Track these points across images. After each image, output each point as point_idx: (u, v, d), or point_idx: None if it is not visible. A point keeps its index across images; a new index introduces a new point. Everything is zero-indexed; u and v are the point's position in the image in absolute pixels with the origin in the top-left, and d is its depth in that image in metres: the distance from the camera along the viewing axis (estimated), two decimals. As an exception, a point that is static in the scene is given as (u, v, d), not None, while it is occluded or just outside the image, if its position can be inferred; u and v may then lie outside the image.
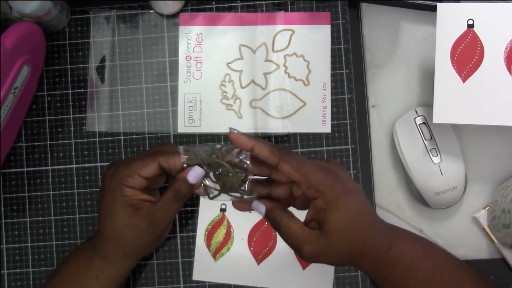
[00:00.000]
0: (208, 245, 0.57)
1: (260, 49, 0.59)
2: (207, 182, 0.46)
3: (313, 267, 0.57)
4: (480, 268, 0.57)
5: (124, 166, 0.48)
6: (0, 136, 0.53)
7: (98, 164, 0.59)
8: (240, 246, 0.57)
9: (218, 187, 0.46)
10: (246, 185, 0.45)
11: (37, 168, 0.59)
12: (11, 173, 0.59)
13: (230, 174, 0.45)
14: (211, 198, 0.47)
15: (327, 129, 0.58)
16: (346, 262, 0.45)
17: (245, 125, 0.58)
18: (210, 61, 0.59)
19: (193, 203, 0.58)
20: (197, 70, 0.59)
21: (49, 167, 0.59)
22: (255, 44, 0.59)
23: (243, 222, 0.58)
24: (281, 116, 0.58)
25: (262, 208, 0.44)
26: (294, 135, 0.58)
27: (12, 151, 0.59)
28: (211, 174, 0.46)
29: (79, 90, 0.59)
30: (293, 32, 0.59)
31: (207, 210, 0.58)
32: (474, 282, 0.47)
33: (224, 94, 0.59)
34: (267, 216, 0.44)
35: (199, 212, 0.58)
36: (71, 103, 0.59)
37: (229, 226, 0.57)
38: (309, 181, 0.42)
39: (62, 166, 0.59)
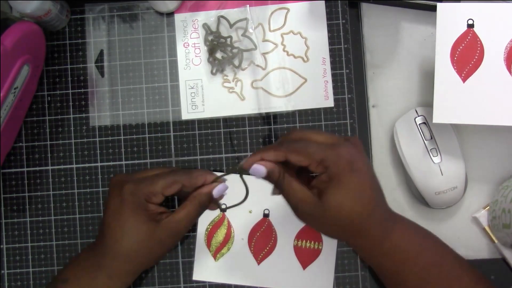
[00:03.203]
0: (208, 245, 0.57)
1: (256, 29, 0.59)
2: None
3: (314, 267, 0.57)
4: (480, 268, 0.57)
5: (147, 183, 0.48)
6: (0, 136, 0.53)
7: (98, 164, 0.59)
8: (240, 246, 0.57)
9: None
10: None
11: (37, 168, 0.59)
12: (11, 173, 0.59)
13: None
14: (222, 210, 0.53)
15: (330, 103, 0.58)
16: (337, 236, 0.47)
17: (248, 106, 0.59)
18: None
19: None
20: (196, 56, 0.59)
21: (49, 167, 0.59)
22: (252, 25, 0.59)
23: (243, 222, 0.58)
24: (284, 94, 0.59)
25: (262, 169, 0.44)
26: (299, 112, 0.58)
27: (12, 151, 0.59)
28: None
29: (79, 90, 0.59)
30: (288, 10, 0.59)
31: (207, 211, 0.58)
32: (474, 280, 0.47)
33: (225, 77, 0.59)
34: (269, 177, 0.45)
35: None
36: (71, 103, 0.59)
37: (229, 226, 0.58)
38: (315, 160, 0.44)
39: (62, 166, 0.59)
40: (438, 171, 0.55)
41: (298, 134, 0.47)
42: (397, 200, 0.58)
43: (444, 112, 0.51)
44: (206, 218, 0.58)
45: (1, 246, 0.58)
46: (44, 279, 0.58)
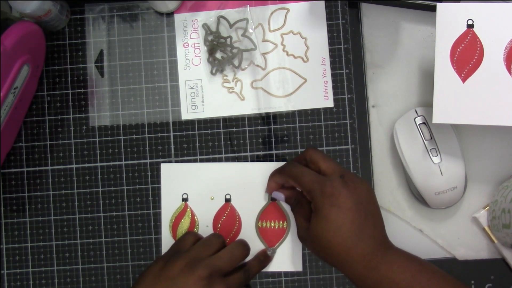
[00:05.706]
0: (174, 236, 0.58)
1: (256, 30, 0.59)
2: None
3: (281, 246, 0.57)
4: (480, 268, 0.57)
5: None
6: (0, 136, 0.53)
7: (98, 164, 0.59)
8: (206, 234, 0.56)
9: None
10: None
11: (37, 168, 0.59)
12: (11, 173, 0.59)
13: None
14: None
15: (329, 103, 0.59)
16: (327, 262, 0.49)
17: (248, 106, 0.59)
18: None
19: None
20: (196, 56, 0.59)
21: (49, 167, 0.59)
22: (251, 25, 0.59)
23: (206, 209, 0.58)
24: (283, 94, 0.59)
25: (282, 195, 0.54)
26: (299, 112, 0.59)
27: (12, 151, 0.59)
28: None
29: (79, 90, 0.59)
30: (288, 10, 0.59)
31: (169, 202, 0.58)
32: None
33: (225, 77, 0.59)
34: (286, 201, 0.55)
35: (162, 205, 0.58)
36: (71, 103, 0.59)
37: (192, 215, 0.58)
38: (305, 190, 0.50)
39: (62, 166, 0.59)
40: (438, 171, 0.55)
41: (310, 154, 0.52)
42: (397, 200, 0.58)
43: (444, 112, 0.51)
44: (169, 210, 0.58)
45: (1, 246, 0.58)
46: (43, 279, 0.58)
